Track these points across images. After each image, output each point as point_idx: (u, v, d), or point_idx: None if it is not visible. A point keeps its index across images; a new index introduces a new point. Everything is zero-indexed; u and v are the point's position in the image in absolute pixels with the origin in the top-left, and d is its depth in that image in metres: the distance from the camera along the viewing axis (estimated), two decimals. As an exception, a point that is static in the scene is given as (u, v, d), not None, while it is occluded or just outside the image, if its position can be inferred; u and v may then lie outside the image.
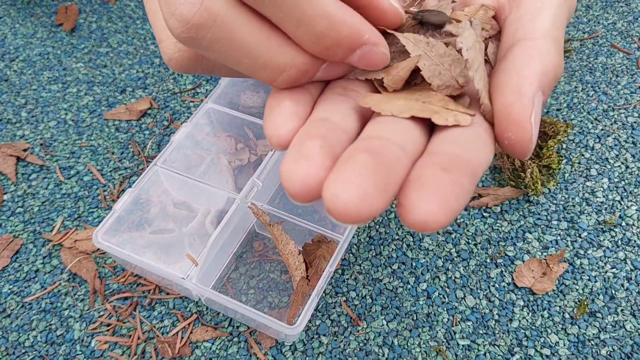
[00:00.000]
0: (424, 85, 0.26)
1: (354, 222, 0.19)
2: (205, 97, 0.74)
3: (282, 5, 0.21)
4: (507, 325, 0.54)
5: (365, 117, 0.25)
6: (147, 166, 0.61)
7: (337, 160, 0.21)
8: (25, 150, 0.69)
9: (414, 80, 0.27)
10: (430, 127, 0.25)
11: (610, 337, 0.53)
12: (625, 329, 0.54)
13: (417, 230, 0.20)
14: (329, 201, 0.19)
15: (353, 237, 0.61)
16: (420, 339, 0.54)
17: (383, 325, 0.55)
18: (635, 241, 0.59)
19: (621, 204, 0.62)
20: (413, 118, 0.24)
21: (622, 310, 0.55)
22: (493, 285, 0.57)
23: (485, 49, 0.28)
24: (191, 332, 0.55)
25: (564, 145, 0.67)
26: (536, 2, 0.27)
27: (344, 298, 0.57)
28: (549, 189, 0.64)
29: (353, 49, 0.23)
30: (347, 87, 0.26)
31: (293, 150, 0.22)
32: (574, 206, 0.62)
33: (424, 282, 0.57)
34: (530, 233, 0.60)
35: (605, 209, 0.62)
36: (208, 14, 0.22)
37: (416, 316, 0.55)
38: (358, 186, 0.19)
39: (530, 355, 0.53)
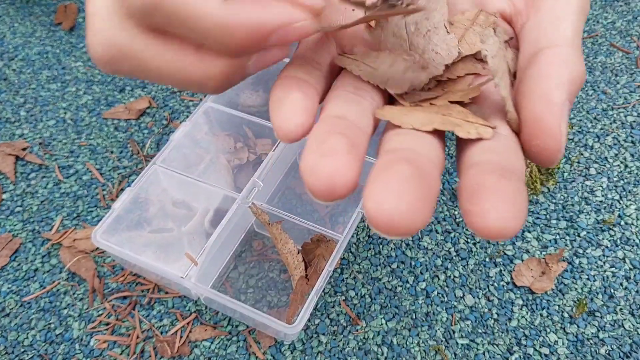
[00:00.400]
0: (440, 98, 0.26)
1: (397, 235, 0.19)
2: (204, 96, 0.74)
3: (178, 25, 0.22)
4: (506, 324, 0.54)
5: (377, 121, 0.25)
6: (146, 165, 0.61)
7: (362, 161, 0.21)
8: (24, 149, 0.69)
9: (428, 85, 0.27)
10: (444, 141, 0.25)
11: (609, 336, 0.53)
12: (624, 328, 0.54)
13: (491, 238, 0.19)
14: (372, 211, 0.18)
15: (352, 236, 0.61)
16: (420, 338, 0.54)
17: (382, 324, 0.55)
18: (634, 240, 0.59)
19: (620, 203, 0.62)
20: (433, 131, 0.23)
21: (621, 309, 0.55)
22: (492, 285, 0.57)
23: None
24: (190, 331, 0.55)
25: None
26: (556, 9, 0.27)
27: (343, 297, 0.57)
28: (548, 188, 0.64)
29: (262, 42, 0.22)
30: (358, 87, 0.26)
31: (315, 144, 0.21)
32: (573, 205, 0.62)
33: (423, 281, 0.57)
34: (530, 232, 0.60)
35: (605, 208, 0.62)
36: (116, 49, 0.23)
37: (415, 315, 0.55)
38: (403, 197, 0.18)
39: (529, 354, 0.53)
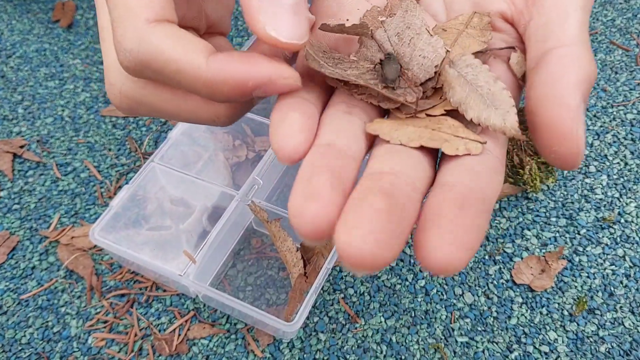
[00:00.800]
0: (437, 107, 0.26)
1: (367, 271, 0.19)
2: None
3: (169, 81, 0.24)
4: (505, 322, 0.54)
5: (371, 137, 0.25)
6: (144, 163, 0.61)
7: (347, 195, 0.21)
8: (21, 147, 0.69)
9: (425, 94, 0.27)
10: (436, 153, 0.25)
11: (609, 334, 0.53)
12: (624, 326, 0.54)
13: (435, 273, 0.19)
14: (341, 249, 0.19)
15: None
16: (419, 336, 0.54)
17: (381, 322, 0.55)
18: (634, 238, 0.59)
19: (620, 201, 0.62)
20: (422, 147, 0.23)
21: (621, 307, 0.55)
22: (491, 282, 0.57)
23: (508, 60, 0.28)
24: (188, 329, 0.54)
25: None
26: (560, 6, 0.26)
27: (342, 295, 0.56)
28: (547, 185, 0.63)
29: (247, 95, 0.24)
30: (351, 104, 0.26)
31: (301, 185, 0.21)
32: (572, 203, 0.62)
33: (422, 279, 0.57)
34: (529, 230, 0.60)
35: (604, 205, 0.62)
36: (130, 99, 0.26)
37: (414, 313, 0.55)
38: (372, 234, 0.19)
39: (529, 352, 0.52)
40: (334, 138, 0.23)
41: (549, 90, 0.23)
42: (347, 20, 0.29)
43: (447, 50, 0.27)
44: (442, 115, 0.25)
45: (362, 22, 0.27)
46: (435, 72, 0.27)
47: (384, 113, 0.27)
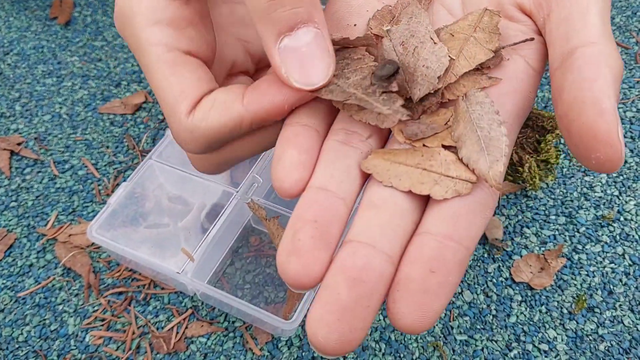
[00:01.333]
0: (432, 138, 0.26)
1: (333, 356, 0.22)
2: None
3: (236, 137, 0.28)
4: (504, 320, 0.54)
5: (366, 175, 0.26)
6: (142, 160, 0.61)
7: (331, 248, 0.23)
8: (19, 144, 0.68)
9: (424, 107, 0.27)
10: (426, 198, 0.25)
11: (608, 332, 0.53)
12: (624, 324, 0.53)
13: (403, 331, 0.22)
14: (310, 338, 0.22)
15: (350, 231, 0.60)
16: (417, 334, 0.53)
17: (380, 320, 0.54)
18: (633, 236, 0.59)
19: (619, 199, 0.62)
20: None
21: (620, 305, 0.55)
22: (491, 280, 0.57)
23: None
24: (186, 327, 0.54)
25: (563, 140, 0.67)
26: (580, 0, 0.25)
27: (341, 293, 0.56)
28: (547, 183, 0.63)
29: (285, 113, 0.26)
30: (350, 130, 0.26)
31: (286, 240, 0.23)
32: (572, 201, 0.62)
33: (422, 277, 0.57)
34: (528, 228, 0.60)
35: (604, 203, 0.61)
36: (206, 160, 0.30)
37: (413, 311, 0.55)
38: (336, 331, 0.21)
39: (528, 350, 0.52)
40: (327, 179, 0.25)
41: (584, 93, 0.22)
42: (355, 25, 0.29)
43: (452, 58, 0.27)
44: (439, 147, 0.26)
45: (367, 34, 0.28)
46: (439, 85, 0.27)
47: (386, 131, 0.27)
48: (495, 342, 0.53)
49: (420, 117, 0.27)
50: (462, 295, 0.56)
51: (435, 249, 0.23)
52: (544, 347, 0.52)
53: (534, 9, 0.27)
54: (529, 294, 0.56)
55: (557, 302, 0.55)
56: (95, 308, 0.56)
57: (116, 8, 0.28)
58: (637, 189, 0.62)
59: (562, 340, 0.53)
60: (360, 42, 0.27)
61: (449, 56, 0.27)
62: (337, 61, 0.26)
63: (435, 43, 0.27)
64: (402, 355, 0.52)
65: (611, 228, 0.60)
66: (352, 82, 0.25)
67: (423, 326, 0.22)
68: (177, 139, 0.27)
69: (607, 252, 0.58)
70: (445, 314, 0.55)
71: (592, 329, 0.53)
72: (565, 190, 0.63)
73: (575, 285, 0.56)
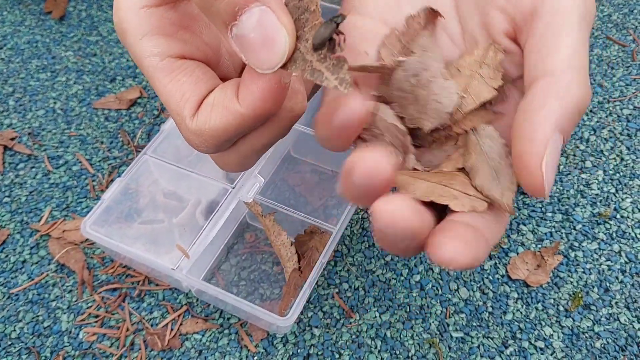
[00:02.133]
0: (448, 163, 0.28)
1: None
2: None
3: (244, 133, 0.28)
4: (500, 317, 0.54)
5: None
6: (137, 156, 0.60)
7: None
8: (12, 139, 0.68)
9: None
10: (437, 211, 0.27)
11: (604, 330, 0.53)
12: (620, 322, 0.53)
13: (444, 265, 0.23)
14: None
15: (346, 228, 0.60)
16: (414, 331, 0.53)
17: (376, 317, 0.54)
18: (629, 233, 0.59)
19: (616, 197, 0.62)
20: (430, 202, 0.26)
21: (616, 302, 0.55)
22: (487, 278, 0.56)
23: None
24: (181, 324, 0.54)
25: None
26: (554, 24, 0.24)
27: (337, 290, 0.56)
28: (543, 181, 0.63)
29: (273, 106, 0.26)
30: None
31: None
32: (568, 198, 0.62)
33: (417, 274, 0.57)
34: (525, 225, 0.60)
35: (600, 201, 0.61)
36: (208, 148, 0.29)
37: (409, 308, 0.55)
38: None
39: (524, 347, 0.52)
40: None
41: (522, 123, 0.24)
42: (366, 52, 0.30)
43: (462, 96, 0.28)
44: (457, 170, 0.28)
45: (382, 63, 0.29)
46: (448, 121, 0.28)
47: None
48: (491, 339, 0.53)
49: (431, 146, 0.29)
50: (458, 292, 0.56)
51: (467, 222, 0.25)
52: (540, 344, 0.52)
53: (517, 34, 0.27)
54: (525, 291, 0.55)
55: (554, 299, 0.55)
56: (89, 304, 0.55)
57: (114, 24, 0.28)
58: (633, 187, 0.62)
59: (558, 337, 0.53)
60: (377, 69, 0.29)
61: (458, 93, 0.28)
62: (298, 17, 0.25)
63: (445, 79, 0.28)
64: (398, 352, 0.52)
65: (607, 225, 0.60)
66: (310, 46, 0.25)
67: (461, 260, 0.22)
68: (188, 142, 0.28)
69: (603, 250, 0.58)
70: (441, 311, 0.54)
71: (588, 327, 0.53)
72: (561, 188, 0.63)
73: (571, 282, 0.56)
